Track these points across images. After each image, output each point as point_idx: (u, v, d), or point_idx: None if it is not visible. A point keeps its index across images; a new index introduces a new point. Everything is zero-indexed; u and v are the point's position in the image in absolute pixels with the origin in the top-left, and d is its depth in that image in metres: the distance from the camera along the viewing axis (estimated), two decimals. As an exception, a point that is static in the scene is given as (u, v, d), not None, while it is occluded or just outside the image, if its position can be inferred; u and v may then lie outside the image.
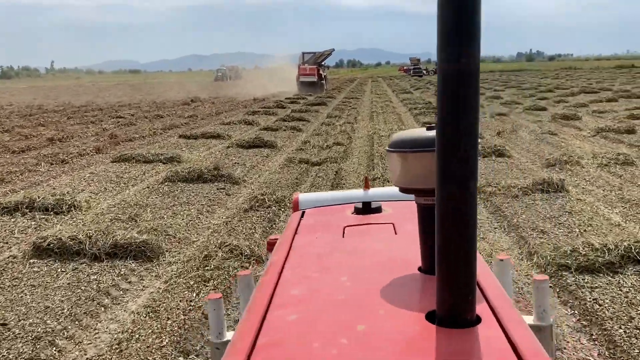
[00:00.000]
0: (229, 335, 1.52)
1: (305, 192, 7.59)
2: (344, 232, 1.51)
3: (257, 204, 6.63)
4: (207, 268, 4.62)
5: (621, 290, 3.97)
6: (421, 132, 1.09)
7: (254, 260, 4.78)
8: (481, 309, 0.96)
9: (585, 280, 4.15)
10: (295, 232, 1.58)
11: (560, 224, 5.68)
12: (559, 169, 8.45)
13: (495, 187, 7.24)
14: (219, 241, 5.09)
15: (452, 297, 0.88)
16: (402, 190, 1.14)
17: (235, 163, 9.80)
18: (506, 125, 14.36)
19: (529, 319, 1.40)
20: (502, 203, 6.51)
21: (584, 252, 4.36)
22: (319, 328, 0.95)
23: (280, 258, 1.35)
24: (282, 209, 6.49)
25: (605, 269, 4.25)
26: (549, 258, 4.45)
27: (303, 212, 1.83)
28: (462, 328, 0.89)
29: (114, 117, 19.96)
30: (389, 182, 6.29)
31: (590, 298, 3.88)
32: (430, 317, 0.93)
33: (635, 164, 8.47)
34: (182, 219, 6.21)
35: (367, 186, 1.91)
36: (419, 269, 1.17)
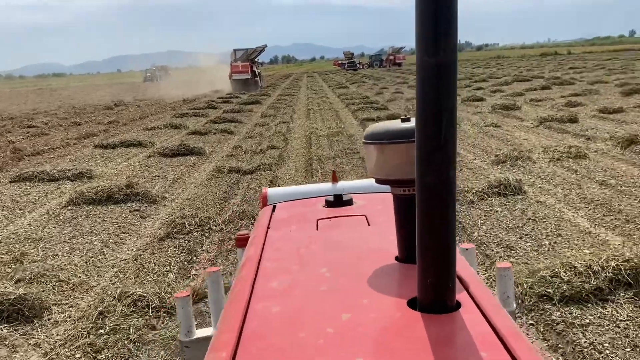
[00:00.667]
0: (198, 332, 1.62)
1: (235, 207, 6.63)
2: (317, 225, 1.51)
3: (175, 229, 5.56)
4: (100, 331, 3.55)
5: (619, 327, 3.24)
6: (396, 124, 1.09)
7: (164, 313, 3.75)
8: (460, 295, 0.97)
9: (574, 315, 3.40)
10: (268, 226, 1.57)
11: (526, 235, 4.97)
12: (511, 166, 7.85)
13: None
14: (119, 290, 4.02)
15: (432, 284, 0.89)
16: (379, 181, 1.14)
17: (155, 176, 8.63)
18: (447, 118, 13.83)
19: None
20: (458, 212, 5.72)
21: (567, 278, 3.62)
22: (303, 319, 0.95)
23: (256, 252, 1.34)
24: (206, 235, 5.46)
25: (594, 297, 3.53)
26: (525, 286, 3.68)
27: (274, 207, 1.82)
28: (443, 313, 0.90)
29: (25, 127, 18.05)
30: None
31: (585, 342, 3.12)
32: (412, 303, 0.95)
33: (588, 157, 7.99)
34: (81, 256, 5.06)
35: (335, 179, 1.91)
36: (396, 258, 1.18)
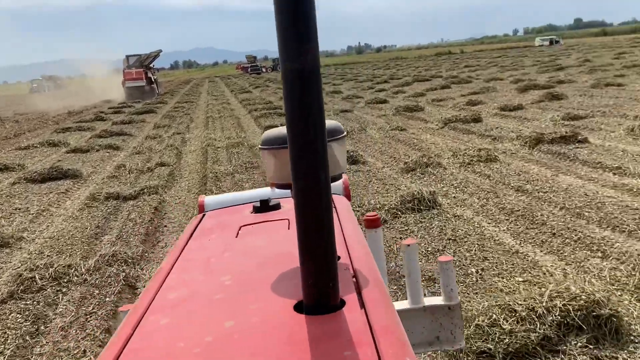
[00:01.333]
0: None
1: (107, 247, 5.49)
2: (238, 232, 1.50)
3: (22, 287, 4.36)
4: None
5: (579, 393, 2.59)
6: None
7: None
8: (350, 293, 0.99)
9: (523, 379, 2.72)
10: (190, 236, 1.54)
11: (449, 261, 4.31)
12: (421, 174, 7.30)
13: (359, 209, 5.79)
14: None
15: (314, 286, 0.91)
16: (277, 186, 1.16)
17: (15, 209, 7.21)
18: (352, 123, 13.28)
19: (439, 299, 1.52)
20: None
21: (508, 327, 2.94)
22: (187, 329, 0.95)
23: (169, 263, 1.31)
24: (63, 291, 4.31)
25: (542, 349, 2.87)
26: (460, 340, 2.95)
27: (203, 215, 1.79)
28: (326, 314, 0.92)
29: None
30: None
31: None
32: (299, 307, 0.96)
33: (498, 160, 7.63)
34: None
35: (273, 184, 1.68)
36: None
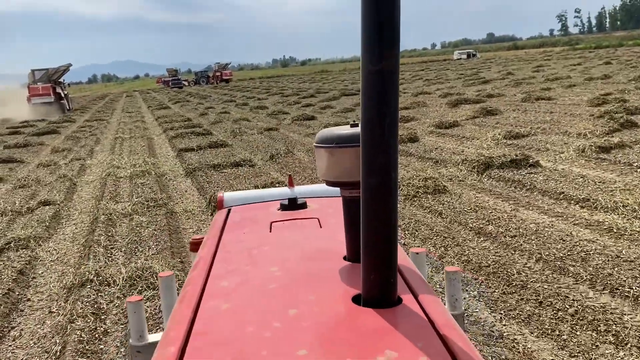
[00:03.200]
0: (150, 337, 1.62)
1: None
2: (271, 227, 1.54)
3: None
4: None
5: None
6: (346, 129, 1.11)
7: None
8: (402, 291, 1.02)
9: None
10: (222, 229, 1.60)
11: None
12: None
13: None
14: None
15: (375, 280, 0.93)
16: (329, 183, 1.16)
17: None
18: (278, 144, 12.00)
19: None
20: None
21: None
22: (251, 315, 0.97)
23: (209, 253, 1.36)
24: None
25: None
26: None
27: (229, 210, 1.84)
28: (385, 308, 0.94)
29: None
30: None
31: None
32: (356, 300, 0.98)
33: (447, 190, 6.58)
34: None
35: (291, 184, 1.91)
36: (344, 257, 1.21)
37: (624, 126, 9.62)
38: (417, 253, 1.71)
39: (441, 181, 6.88)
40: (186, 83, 73.27)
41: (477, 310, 3.65)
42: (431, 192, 6.53)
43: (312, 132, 13.60)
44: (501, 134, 9.85)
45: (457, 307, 1.59)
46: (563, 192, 6.04)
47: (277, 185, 7.57)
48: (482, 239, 4.95)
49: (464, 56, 79.23)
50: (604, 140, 8.22)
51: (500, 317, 3.54)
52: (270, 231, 1.52)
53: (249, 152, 11.31)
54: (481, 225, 5.26)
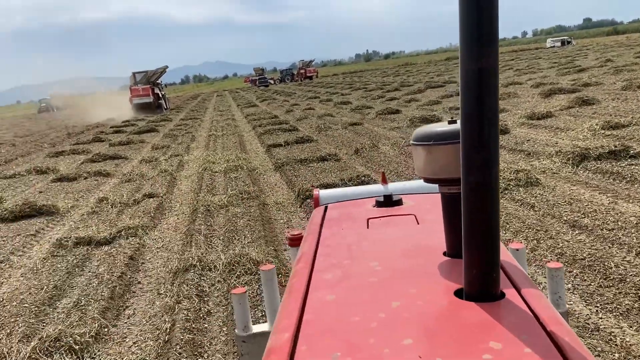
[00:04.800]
0: (255, 328, 1.70)
1: (54, 325, 4.32)
2: (368, 224, 1.56)
3: None
4: None
5: None
6: (444, 126, 1.13)
7: None
8: (505, 286, 1.02)
9: None
10: (321, 225, 1.63)
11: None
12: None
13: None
14: None
15: (478, 274, 0.95)
16: (427, 180, 1.18)
17: (-30, 260, 6.11)
18: (362, 138, 12.12)
19: None
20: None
21: None
22: (356, 306, 1.01)
23: (311, 248, 1.40)
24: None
25: None
26: None
27: (326, 207, 1.87)
28: (488, 302, 0.95)
29: None
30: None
31: None
32: (459, 294, 0.99)
33: (540, 183, 6.40)
34: None
35: (384, 181, 1.94)
36: (444, 253, 1.22)
37: None
38: (517, 249, 1.68)
39: (533, 173, 6.70)
40: (272, 81, 75.21)
41: (571, 302, 3.58)
42: (523, 184, 6.37)
43: (396, 125, 13.59)
44: (599, 124, 9.34)
45: (561, 304, 1.56)
46: (668, 184, 5.69)
47: (363, 178, 7.70)
48: (576, 232, 4.80)
49: (558, 44, 75.05)
50: None
51: (597, 310, 3.45)
52: (368, 227, 1.54)
53: (334, 147, 11.51)
54: (576, 218, 5.09)
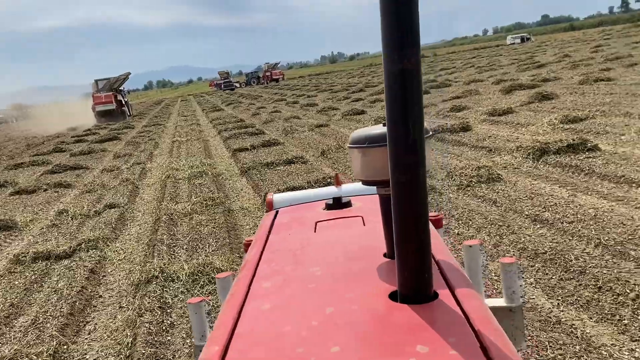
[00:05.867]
0: None
1: (9, 346, 4.13)
2: (315, 227, 1.56)
3: None
4: None
5: None
6: (377, 129, 1.14)
7: None
8: (440, 286, 1.02)
9: None
10: (269, 231, 1.63)
11: None
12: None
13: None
14: None
15: (410, 276, 0.94)
16: (364, 182, 1.19)
17: None
18: (328, 140, 12.12)
19: (500, 301, 1.51)
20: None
21: None
22: (290, 314, 1.01)
23: (255, 255, 1.40)
24: None
25: None
26: None
27: (277, 211, 1.88)
28: (420, 304, 0.95)
29: None
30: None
31: None
32: (393, 296, 0.99)
33: (501, 178, 6.49)
34: None
35: (338, 182, 1.96)
36: (384, 254, 1.23)
37: (691, 104, 9.12)
38: (471, 246, 1.67)
39: (495, 169, 6.79)
40: (237, 85, 74.65)
41: (533, 297, 3.62)
42: (485, 180, 6.45)
43: (362, 126, 13.62)
44: (558, 118, 9.55)
45: (515, 299, 1.55)
46: (624, 176, 5.83)
47: (329, 180, 7.68)
48: (538, 226, 4.87)
49: (518, 40, 76.83)
50: (669, 120, 7.84)
51: (558, 303, 3.49)
52: (315, 231, 1.53)
53: (301, 149, 11.48)
54: (537, 212, 5.17)
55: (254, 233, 2.26)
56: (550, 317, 3.33)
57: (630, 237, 4.25)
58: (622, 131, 8.07)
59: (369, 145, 1.13)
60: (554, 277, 3.86)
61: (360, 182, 1.21)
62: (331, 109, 19.19)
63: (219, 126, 19.35)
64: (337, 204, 1.72)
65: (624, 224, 4.54)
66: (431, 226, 1.47)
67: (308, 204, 1.88)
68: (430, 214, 1.94)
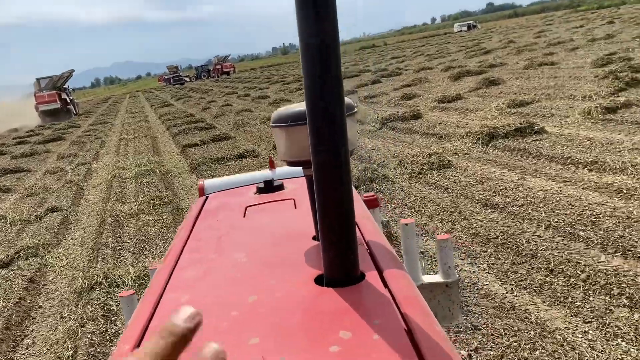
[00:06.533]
0: None
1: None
2: (245, 212, 1.51)
3: None
4: None
5: None
6: (300, 106, 1.08)
7: None
8: (368, 267, 0.99)
9: None
10: (197, 217, 1.56)
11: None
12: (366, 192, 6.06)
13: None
14: None
15: (335, 259, 0.91)
16: (289, 163, 1.14)
17: None
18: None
19: (437, 277, 1.55)
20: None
21: None
22: (209, 305, 0.95)
23: (179, 244, 1.34)
24: None
25: None
26: None
27: (206, 197, 1.80)
28: (347, 286, 0.92)
29: None
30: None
31: None
32: (319, 280, 0.96)
33: (452, 164, 6.49)
34: None
35: (272, 166, 1.89)
36: (313, 237, 1.19)
37: (630, 85, 9.42)
38: (407, 224, 1.69)
39: (446, 156, 6.80)
40: (187, 79, 73.17)
41: (487, 283, 3.60)
42: (436, 167, 6.44)
43: (314, 117, 13.50)
44: (505, 103, 9.69)
45: (451, 274, 1.57)
46: (570, 157, 5.93)
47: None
48: (489, 210, 4.87)
49: (465, 28, 78.18)
50: (610, 101, 8.06)
51: (512, 289, 3.48)
52: (245, 216, 1.49)
53: (253, 143, 11.26)
54: (488, 197, 5.18)
55: None
56: (504, 303, 3.30)
57: (579, 218, 4.30)
58: (566, 113, 8.24)
59: (291, 124, 1.08)
60: (506, 261, 3.85)
61: (286, 164, 1.16)
62: (284, 101, 18.97)
63: (167, 122, 18.82)
64: (269, 187, 1.68)
65: (573, 205, 4.59)
66: (364, 207, 1.47)
67: (239, 189, 1.83)
68: (365, 194, 1.86)
